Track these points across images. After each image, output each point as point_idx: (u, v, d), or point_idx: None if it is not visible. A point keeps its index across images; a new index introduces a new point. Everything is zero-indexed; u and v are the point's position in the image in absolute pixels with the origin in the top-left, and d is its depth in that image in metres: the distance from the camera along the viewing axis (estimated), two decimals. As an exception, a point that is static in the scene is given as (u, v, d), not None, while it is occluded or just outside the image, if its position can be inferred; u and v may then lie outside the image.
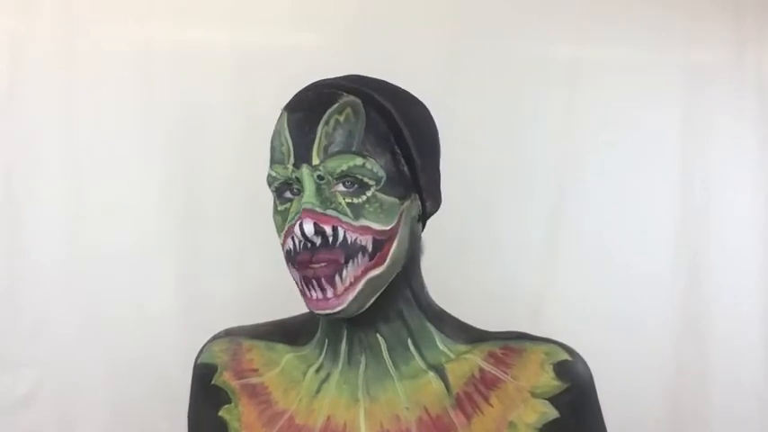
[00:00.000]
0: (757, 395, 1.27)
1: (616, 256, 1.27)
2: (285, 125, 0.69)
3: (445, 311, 0.78)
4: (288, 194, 0.69)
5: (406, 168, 0.71)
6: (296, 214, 0.67)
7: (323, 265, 0.66)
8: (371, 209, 0.68)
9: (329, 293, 0.67)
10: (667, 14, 1.27)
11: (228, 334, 0.82)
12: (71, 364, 1.20)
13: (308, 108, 0.69)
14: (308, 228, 0.64)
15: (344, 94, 0.70)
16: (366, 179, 0.67)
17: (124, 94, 1.21)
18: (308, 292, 0.68)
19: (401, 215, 0.70)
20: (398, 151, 0.70)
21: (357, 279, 0.67)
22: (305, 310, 0.82)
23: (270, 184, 0.70)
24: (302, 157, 0.67)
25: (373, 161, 0.68)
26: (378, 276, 0.69)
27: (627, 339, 1.26)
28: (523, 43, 1.27)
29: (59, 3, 1.20)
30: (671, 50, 1.28)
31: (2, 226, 1.19)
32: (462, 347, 0.74)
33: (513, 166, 1.27)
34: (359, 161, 0.67)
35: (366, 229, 0.67)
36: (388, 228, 0.69)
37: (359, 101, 0.69)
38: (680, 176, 1.29)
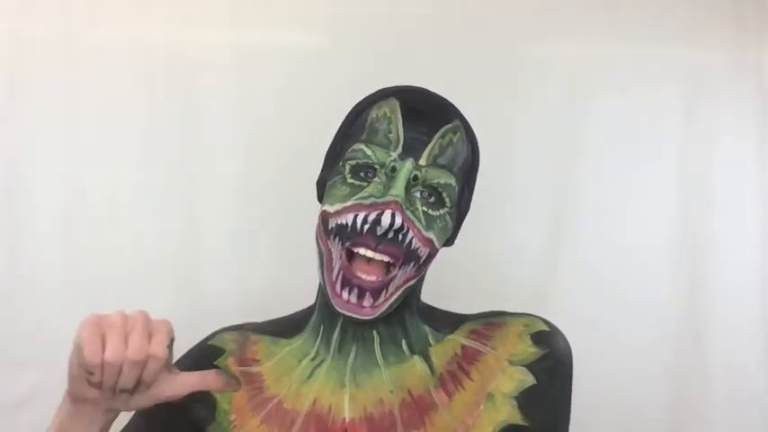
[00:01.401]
0: (757, 395, 1.27)
1: (616, 256, 1.27)
2: (399, 114, 0.70)
3: (433, 306, 0.80)
4: (362, 174, 0.70)
5: (464, 202, 0.76)
6: (370, 196, 0.67)
7: (375, 270, 0.67)
8: (440, 225, 0.70)
9: (366, 303, 0.68)
10: (667, 15, 1.27)
11: (239, 328, 0.84)
12: (71, 364, 1.20)
13: (426, 111, 0.71)
14: (398, 221, 0.65)
15: (457, 117, 0.73)
16: (447, 199, 0.70)
17: (124, 94, 1.21)
18: (339, 290, 0.68)
19: (444, 239, 0.73)
20: (466, 185, 0.76)
21: (398, 288, 0.69)
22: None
23: (351, 159, 0.70)
24: (411, 152, 0.69)
25: (458, 186, 0.72)
26: (411, 287, 0.71)
27: (627, 339, 1.25)
28: (523, 43, 1.27)
29: (59, 3, 1.20)
30: (671, 51, 1.28)
31: (2, 226, 1.19)
32: (448, 332, 0.76)
33: (513, 166, 1.26)
34: (453, 182, 0.71)
35: (429, 242, 0.69)
36: (439, 248, 0.72)
37: (464, 129, 0.74)
38: (680, 177, 1.28)
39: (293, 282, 1.12)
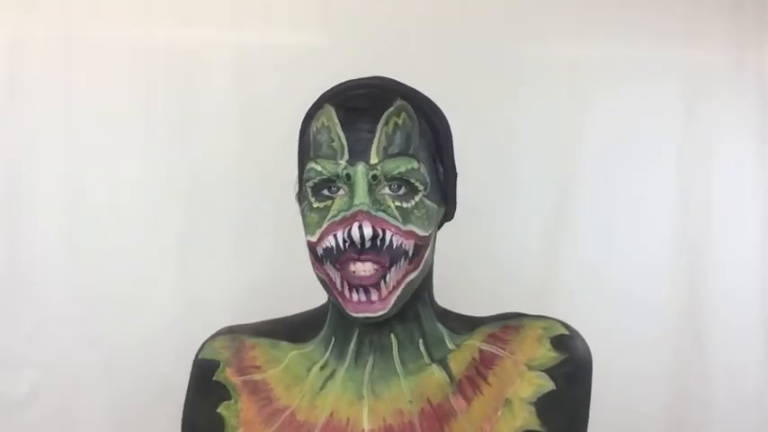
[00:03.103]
0: (757, 395, 1.27)
1: (616, 255, 1.27)
2: (336, 121, 0.68)
3: (447, 309, 0.78)
4: (326, 192, 0.68)
5: (441, 176, 0.72)
6: (340, 212, 0.66)
7: (369, 267, 0.66)
8: (419, 214, 0.68)
9: (374, 296, 0.66)
10: (667, 15, 1.27)
11: (231, 331, 0.81)
12: (71, 364, 1.20)
13: (363, 107, 0.68)
14: (368, 231, 0.64)
15: (397, 97, 0.70)
16: (417, 183, 0.68)
17: (124, 94, 1.21)
18: (348, 294, 0.67)
19: (435, 221, 0.71)
20: (437, 158, 0.72)
21: (398, 283, 0.68)
22: (305, 308, 0.83)
23: (308, 180, 0.69)
24: (358, 155, 0.66)
25: (423, 166, 0.68)
26: (413, 280, 0.69)
27: (627, 338, 1.25)
28: (523, 43, 1.27)
29: (59, 3, 1.20)
30: (671, 51, 1.28)
31: (2, 226, 1.19)
32: (465, 336, 0.75)
33: (513, 166, 1.27)
34: (415, 164, 0.68)
35: (411, 234, 0.67)
36: (428, 233, 0.69)
37: (409, 105, 0.70)
38: (680, 177, 1.28)
39: (293, 281, 1.12)
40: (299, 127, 0.76)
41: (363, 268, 0.66)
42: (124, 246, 1.21)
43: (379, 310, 0.67)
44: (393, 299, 0.67)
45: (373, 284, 0.66)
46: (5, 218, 1.19)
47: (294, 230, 1.11)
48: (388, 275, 0.67)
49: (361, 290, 0.66)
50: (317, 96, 0.73)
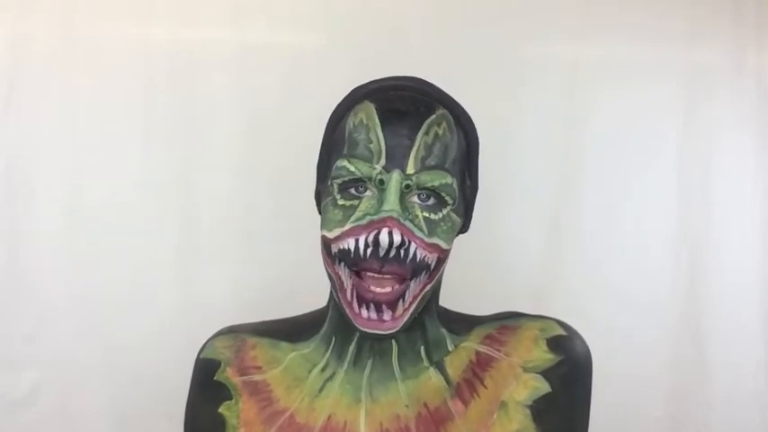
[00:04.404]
0: (757, 394, 1.27)
1: (616, 255, 1.27)
2: (377, 121, 0.66)
3: (447, 309, 0.78)
4: (353, 191, 0.66)
5: (468, 189, 0.72)
6: (366, 215, 0.64)
7: (387, 284, 0.64)
8: (445, 227, 0.67)
9: (386, 316, 0.65)
10: (667, 15, 1.27)
11: (232, 331, 0.81)
12: (71, 364, 1.20)
13: (406, 111, 0.67)
14: (398, 238, 0.62)
15: (439, 105, 0.69)
16: (448, 198, 0.67)
17: (124, 94, 1.21)
18: (357, 309, 0.65)
19: (456, 234, 0.71)
20: (466, 171, 0.71)
21: (415, 298, 0.66)
22: (305, 310, 0.83)
23: (336, 177, 0.67)
24: (396, 162, 0.65)
25: (455, 180, 0.67)
26: (429, 292, 0.68)
27: (626, 337, 1.25)
28: (523, 43, 1.27)
29: (59, 3, 1.20)
30: (671, 51, 1.28)
31: (2, 226, 1.19)
32: (463, 338, 0.74)
33: (513, 166, 1.26)
34: (449, 179, 0.66)
35: (435, 248, 0.66)
36: (449, 247, 0.69)
37: (450, 116, 0.69)
38: (680, 177, 1.28)
39: (293, 282, 1.12)
40: (331, 117, 0.74)
41: (381, 284, 0.65)
42: (124, 246, 1.21)
43: (390, 329, 0.65)
44: (407, 317, 0.66)
45: (389, 302, 0.65)
46: (5, 218, 1.19)
47: (294, 230, 1.12)
48: (407, 292, 0.65)
49: (372, 306, 0.65)
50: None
